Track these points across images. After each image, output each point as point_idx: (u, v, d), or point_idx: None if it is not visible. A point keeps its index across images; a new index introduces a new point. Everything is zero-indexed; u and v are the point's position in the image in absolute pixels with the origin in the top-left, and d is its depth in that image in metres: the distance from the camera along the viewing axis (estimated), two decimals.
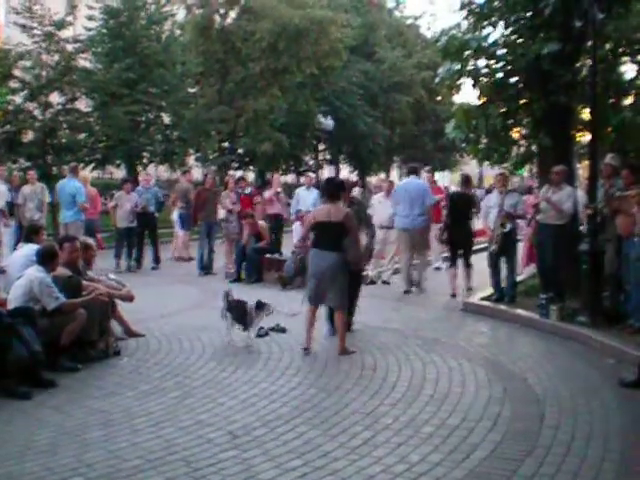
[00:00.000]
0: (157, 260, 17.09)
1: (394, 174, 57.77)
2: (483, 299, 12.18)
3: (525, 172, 37.30)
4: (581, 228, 11.25)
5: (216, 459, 5.38)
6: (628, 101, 13.58)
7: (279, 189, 18.31)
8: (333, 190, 8.98)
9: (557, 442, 5.76)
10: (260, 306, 8.98)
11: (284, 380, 7.59)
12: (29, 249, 8.90)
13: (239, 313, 9.03)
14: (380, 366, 8.15)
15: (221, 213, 16.59)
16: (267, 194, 18.21)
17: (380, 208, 15.08)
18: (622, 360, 8.30)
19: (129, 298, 9.42)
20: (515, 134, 13.28)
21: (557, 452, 5.54)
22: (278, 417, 6.37)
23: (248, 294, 9.93)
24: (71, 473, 5.12)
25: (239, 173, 33.98)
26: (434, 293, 13.46)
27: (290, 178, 52.91)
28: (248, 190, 18.29)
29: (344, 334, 8.84)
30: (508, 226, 11.82)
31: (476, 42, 12.27)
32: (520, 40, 12.33)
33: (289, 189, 30.58)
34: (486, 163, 16.46)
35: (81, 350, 8.28)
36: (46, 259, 8.18)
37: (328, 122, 36.14)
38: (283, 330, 9.54)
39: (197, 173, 39.82)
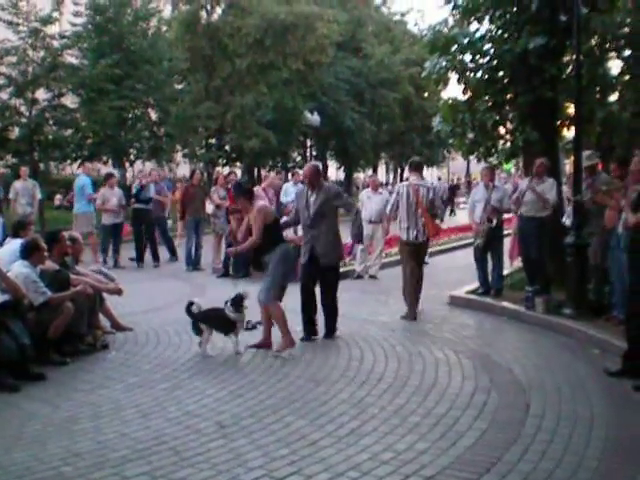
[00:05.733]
0: (158, 257, 16.99)
1: (381, 170, 57.85)
2: (469, 292, 12.25)
3: (512, 168, 37.47)
4: (565, 221, 11.32)
5: (205, 448, 5.43)
6: (614, 97, 13.69)
7: (265, 185, 18.34)
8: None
9: (542, 430, 5.83)
10: (237, 300, 8.39)
11: (272, 372, 7.64)
12: (16, 244, 8.90)
13: (218, 322, 8.42)
14: (367, 358, 8.20)
15: (209, 208, 16.59)
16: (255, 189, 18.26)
17: (368, 203, 15.17)
18: (607, 350, 8.38)
19: (117, 292, 9.43)
20: (501, 128, 13.34)
21: (542, 439, 5.60)
22: (266, 407, 6.41)
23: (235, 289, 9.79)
24: (60, 463, 5.15)
25: (226, 169, 33.97)
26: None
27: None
28: None
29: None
30: (494, 221, 11.90)
31: (464, 37, 12.33)
32: (506, 35, 12.41)
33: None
34: (472, 158, 16.53)
35: (69, 344, 8.31)
36: (29, 252, 8.19)
37: (314, 118, 36.10)
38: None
39: (184, 169, 39.83)
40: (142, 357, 8.30)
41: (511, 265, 14.54)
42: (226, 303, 8.40)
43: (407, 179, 11.78)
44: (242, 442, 5.55)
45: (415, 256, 10.90)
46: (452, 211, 35.65)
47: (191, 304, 8.55)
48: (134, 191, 17.14)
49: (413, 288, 10.78)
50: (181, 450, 5.39)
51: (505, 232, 12.82)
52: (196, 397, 6.77)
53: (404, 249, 11.04)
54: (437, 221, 11.64)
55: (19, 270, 7.99)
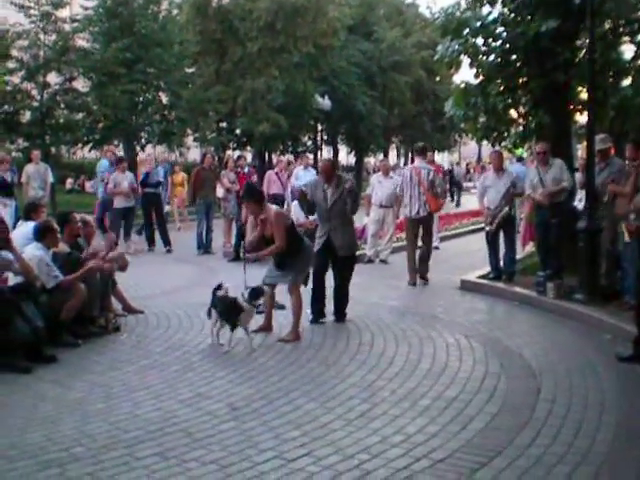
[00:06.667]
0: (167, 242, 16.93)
1: (392, 155, 57.64)
2: (480, 277, 12.22)
3: (525, 152, 37.24)
4: (577, 205, 11.27)
5: (216, 430, 5.45)
6: (628, 81, 13.59)
7: (279, 169, 18.38)
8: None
9: (553, 414, 5.83)
10: (254, 294, 8.00)
11: (283, 355, 7.67)
12: (29, 227, 8.92)
13: (226, 309, 8.00)
14: (377, 342, 8.22)
15: (220, 192, 16.58)
16: (268, 173, 18.36)
17: (379, 187, 15.15)
18: (618, 336, 8.36)
19: (122, 261, 9.49)
20: (513, 112, 13.27)
21: (552, 424, 5.60)
22: (277, 390, 6.44)
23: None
24: (73, 443, 5.18)
25: (237, 153, 33.92)
26: (432, 271, 13.50)
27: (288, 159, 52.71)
28: (246, 169, 18.38)
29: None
30: (512, 209, 11.91)
31: (476, 20, 12.24)
32: (519, 18, 12.32)
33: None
34: (485, 142, 16.44)
35: (81, 326, 8.36)
36: (43, 234, 8.21)
37: (325, 102, 36.04)
38: (282, 307, 9.51)
39: (195, 153, 39.77)
40: (153, 340, 8.34)
41: (523, 251, 14.51)
42: (245, 289, 8.19)
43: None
44: (253, 424, 5.58)
45: (419, 229, 12.58)
46: (457, 203, 35.01)
47: (219, 287, 8.35)
48: (141, 178, 17.14)
49: (413, 253, 12.57)
50: (193, 432, 5.42)
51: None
52: (207, 379, 6.80)
53: (409, 223, 12.70)
54: (441, 200, 12.97)
55: (33, 252, 8.01)
